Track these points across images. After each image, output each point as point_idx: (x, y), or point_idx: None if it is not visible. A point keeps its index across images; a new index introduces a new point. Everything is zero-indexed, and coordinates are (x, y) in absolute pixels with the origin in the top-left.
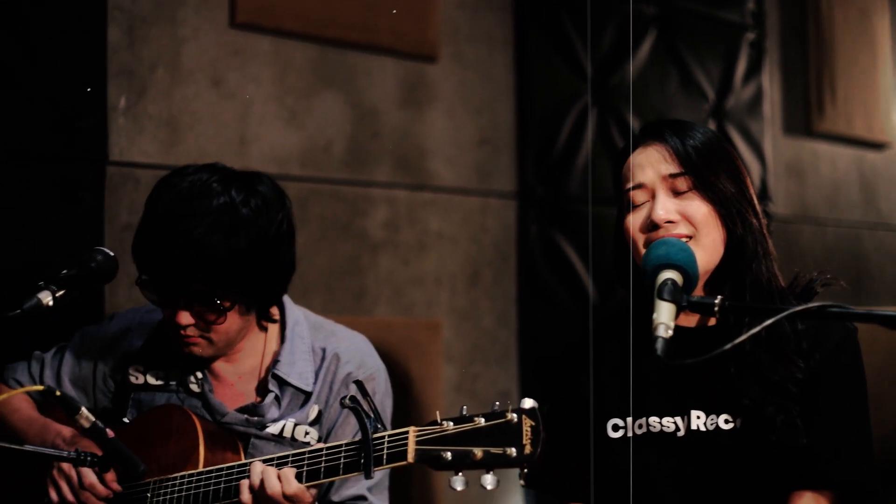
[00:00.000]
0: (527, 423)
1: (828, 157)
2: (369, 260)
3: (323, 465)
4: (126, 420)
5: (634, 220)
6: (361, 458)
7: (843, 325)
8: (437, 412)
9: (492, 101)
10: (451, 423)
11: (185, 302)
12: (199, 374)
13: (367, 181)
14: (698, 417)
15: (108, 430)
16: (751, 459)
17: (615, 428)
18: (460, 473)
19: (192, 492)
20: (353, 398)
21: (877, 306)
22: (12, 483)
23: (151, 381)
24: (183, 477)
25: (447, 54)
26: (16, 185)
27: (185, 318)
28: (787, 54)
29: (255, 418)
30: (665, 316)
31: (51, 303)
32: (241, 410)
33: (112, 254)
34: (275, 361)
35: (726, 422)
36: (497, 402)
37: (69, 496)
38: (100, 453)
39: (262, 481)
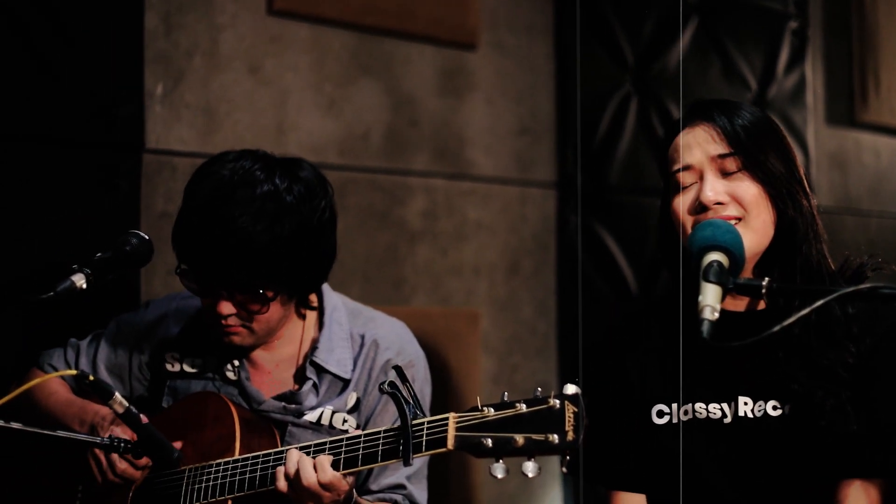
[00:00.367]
0: (569, 410)
1: (871, 147)
2: (407, 249)
3: (361, 452)
4: (163, 407)
5: (682, 203)
6: (400, 444)
7: (894, 309)
8: (478, 398)
9: (532, 89)
10: (492, 410)
11: (227, 292)
12: (236, 362)
13: (405, 170)
14: (746, 403)
15: (142, 415)
16: (799, 447)
17: (660, 414)
18: (501, 461)
19: (229, 479)
20: (391, 384)
21: None
22: (46, 467)
23: (188, 368)
24: (219, 464)
25: (487, 42)
26: (52, 172)
27: (227, 308)
28: (830, 43)
29: (293, 406)
30: (711, 298)
31: (84, 285)
32: (279, 398)
33: (147, 237)
34: (313, 348)
35: (774, 408)
36: (539, 388)
37: (108, 470)
38: (134, 439)
39: (297, 470)
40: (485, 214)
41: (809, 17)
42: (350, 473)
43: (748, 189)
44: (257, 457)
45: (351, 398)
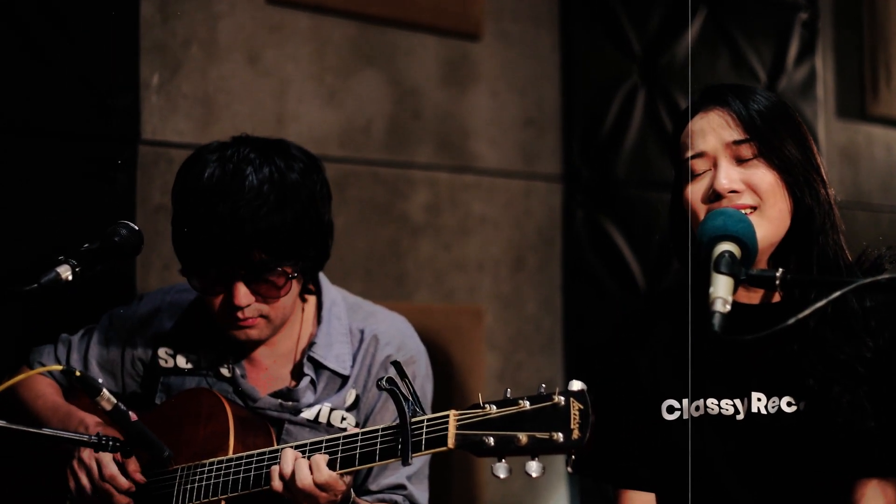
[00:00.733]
0: (575, 407)
1: (882, 141)
2: (409, 244)
3: (358, 451)
4: (156, 404)
5: (695, 191)
6: (399, 443)
7: None
8: (480, 395)
9: (537, 80)
10: (494, 407)
11: (245, 280)
12: (232, 358)
13: (407, 163)
14: (759, 399)
15: (131, 413)
16: (815, 444)
17: (670, 410)
18: (503, 460)
19: (222, 479)
20: (390, 380)
21: None
22: (34, 475)
23: (182, 364)
24: (212, 464)
25: (491, 32)
26: (46, 164)
27: (246, 296)
28: (840, 35)
29: (290, 403)
30: (722, 290)
31: (70, 277)
32: (275, 395)
33: (137, 228)
34: (310, 344)
35: (789, 404)
36: (543, 385)
37: (88, 488)
38: (122, 439)
39: (292, 470)
40: (489, 208)
41: (820, 9)
42: (347, 473)
43: (764, 177)
44: (251, 456)
45: (350, 395)
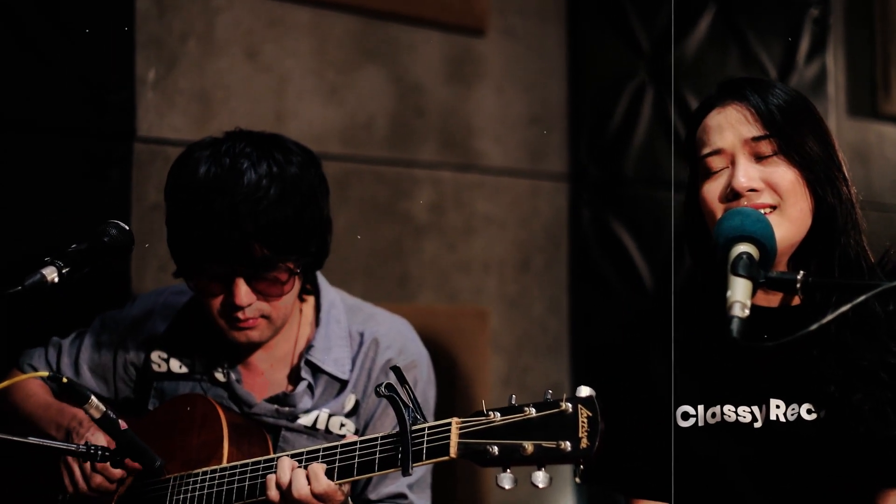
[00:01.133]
0: (583, 414)
1: (894, 139)
2: (413, 244)
3: (356, 460)
4: (149, 410)
5: (711, 190)
6: (399, 452)
7: None
8: (483, 402)
9: (543, 77)
10: (499, 414)
11: (245, 278)
12: (227, 362)
13: (410, 161)
14: (778, 407)
15: (120, 421)
16: (835, 453)
17: (685, 416)
18: (508, 470)
19: (216, 489)
20: (389, 386)
21: None
22: (28, 472)
23: (175, 368)
24: (205, 473)
25: (496, 27)
26: (39, 161)
27: (247, 295)
28: (852, 32)
29: (286, 409)
30: (740, 293)
31: (56, 279)
32: (271, 400)
33: (127, 227)
34: (308, 347)
35: (809, 412)
36: (550, 391)
37: (81, 483)
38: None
39: (289, 480)
40: (494, 208)
41: (831, 5)
42: (345, 483)
43: (784, 175)
44: (246, 464)
45: (349, 401)
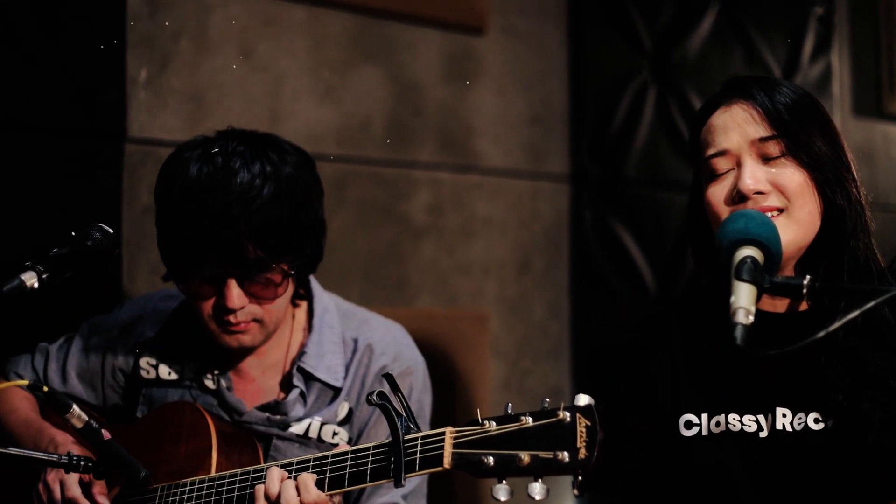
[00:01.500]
0: (581, 423)
1: None
2: (411, 247)
3: (348, 470)
4: (137, 418)
5: (717, 192)
6: (391, 463)
7: None
8: (478, 411)
9: (544, 76)
10: (494, 424)
11: (237, 280)
12: (217, 370)
13: (408, 162)
14: (784, 416)
15: (103, 431)
16: (844, 464)
17: (688, 425)
18: (504, 481)
19: (203, 500)
20: (381, 394)
21: None
22: (13, 492)
23: (164, 375)
24: (193, 483)
25: (496, 26)
26: (27, 162)
27: (239, 298)
28: (857, 31)
29: (278, 417)
30: (744, 299)
31: (36, 285)
32: (262, 408)
33: (111, 230)
34: (301, 353)
35: (816, 421)
36: (547, 399)
37: (57, 497)
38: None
39: (278, 490)
40: (494, 209)
41: (836, 4)
42: (336, 494)
43: (792, 176)
44: (235, 474)
45: (342, 408)
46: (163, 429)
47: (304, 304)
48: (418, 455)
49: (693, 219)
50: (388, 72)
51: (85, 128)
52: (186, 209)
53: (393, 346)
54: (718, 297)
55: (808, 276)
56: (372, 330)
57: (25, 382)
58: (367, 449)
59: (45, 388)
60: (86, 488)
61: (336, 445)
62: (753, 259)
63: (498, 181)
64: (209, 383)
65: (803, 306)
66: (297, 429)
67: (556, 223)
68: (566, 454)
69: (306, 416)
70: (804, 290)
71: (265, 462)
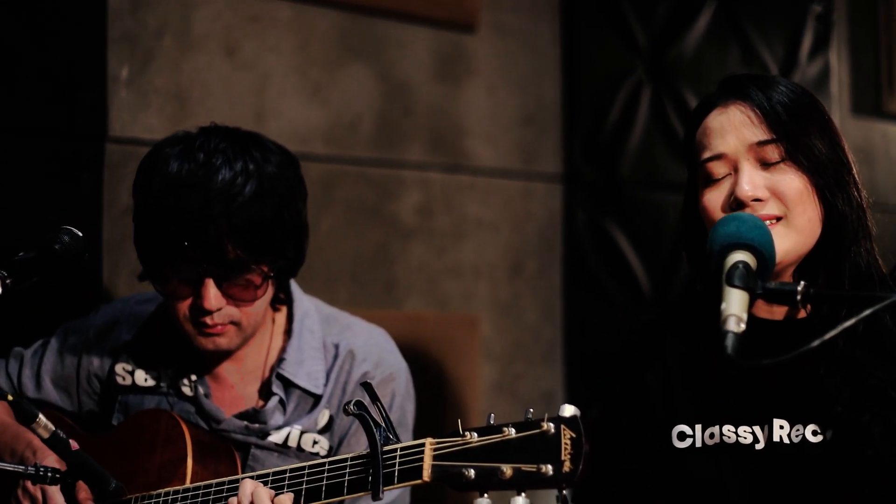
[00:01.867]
0: (566, 435)
1: None
2: (400, 248)
3: (325, 482)
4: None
5: (713, 198)
6: (369, 475)
7: None
8: (459, 421)
9: (536, 75)
10: (476, 435)
11: (215, 280)
12: (194, 376)
13: (398, 161)
14: (781, 427)
15: (72, 441)
16: (843, 478)
17: (681, 436)
18: (486, 495)
19: None
20: (358, 403)
21: None
22: None
23: (140, 381)
24: (167, 494)
25: (487, 23)
26: (6, 163)
27: (216, 298)
28: (855, 29)
29: (256, 425)
30: (736, 306)
31: None
32: (240, 416)
33: (80, 234)
34: (280, 360)
35: (814, 433)
36: (531, 409)
37: None
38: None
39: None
40: (485, 210)
41: (834, 2)
42: None
43: (791, 182)
44: (209, 485)
45: (322, 416)
46: (137, 437)
47: (284, 309)
48: (397, 467)
49: (687, 222)
50: (377, 70)
51: (64, 128)
52: (165, 206)
53: (375, 351)
54: (712, 304)
55: (802, 283)
56: (354, 335)
57: None
58: (345, 460)
59: (10, 397)
60: (70, 495)
61: (316, 454)
62: (746, 264)
63: (489, 181)
64: (186, 390)
65: (802, 314)
66: (276, 438)
67: (549, 224)
68: (550, 467)
69: (286, 424)
70: (798, 297)
71: (243, 471)
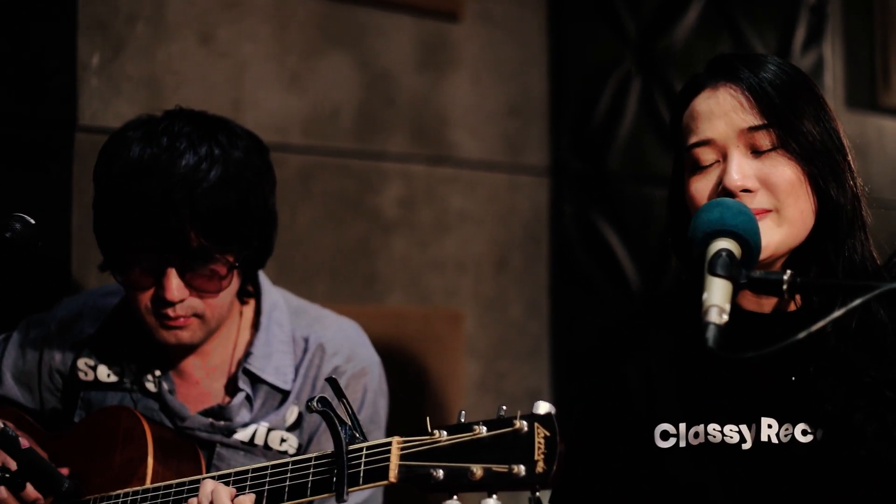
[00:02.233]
0: (540, 434)
1: (894, 133)
2: (381, 242)
3: (288, 483)
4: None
5: (700, 187)
6: (334, 475)
7: None
8: (428, 419)
9: (522, 65)
10: (445, 433)
11: (178, 270)
12: (158, 371)
13: (379, 153)
14: (770, 426)
15: (22, 439)
16: (834, 479)
17: (664, 436)
18: (455, 497)
19: None
20: (322, 400)
21: None
22: None
23: (103, 377)
24: (127, 494)
25: (472, 12)
26: None
27: (179, 289)
28: (850, 21)
29: (222, 423)
30: (718, 296)
31: None
32: (205, 413)
33: (33, 221)
34: (247, 354)
35: (804, 432)
36: (504, 407)
37: None
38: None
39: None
40: (469, 203)
41: None
42: None
43: (783, 173)
44: (170, 486)
45: (291, 413)
46: (96, 435)
47: (252, 302)
48: (363, 467)
49: (673, 209)
50: (358, 59)
51: (32, 116)
52: (126, 191)
53: (346, 345)
54: (696, 295)
55: (788, 272)
56: (324, 328)
57: None
58: (309, 460)
59: None
60: (20, 495)
61: (284, 453)
62: (729, 252)
63: (474, 174)
64: (150, 386)
65: (792, 306)
66: (242, 435)
67: (535, 218)
68: (522, 467)
69: (252, 421)
70: (785, 287)
71: (208, 471)
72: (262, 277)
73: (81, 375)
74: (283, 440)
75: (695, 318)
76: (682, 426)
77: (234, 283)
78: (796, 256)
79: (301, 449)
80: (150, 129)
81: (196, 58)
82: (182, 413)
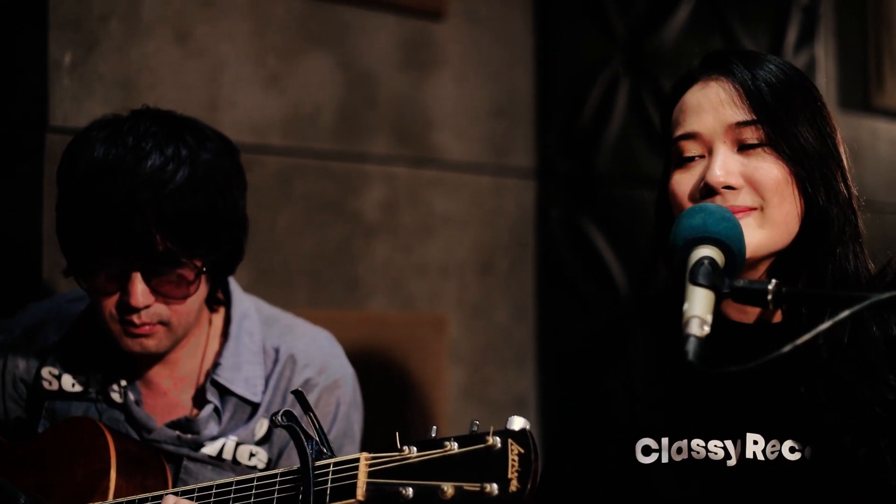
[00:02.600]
0: (514, 451)
1: (887, 135)
2: (363, 246)
3: (252, 500)
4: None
5: (683, 181)
6: (300, 493)
7: None
8: (397, 434)
9: (508, 65)
10: (415, 449)
11: (143, 275)
12: (124, 381)
13: (360, 155)
14: (756, 443)
15: None
16: (822, 499)
17: (646, 451)
18: None
19: None
20: (287, 414)
21: None
22: None
23: (68, 387)
24: None
25: (457, 10)
26: None
27: (144, 295)
28: (843, 21)
29: (189, 436)
30: (699, 307)
31: None
32: (173, 426)
33: None
34: (215, 364)
35: (792, 450)
36: (477, 422)
37: None
38: None
39: None
40: (453, 206)
41: None
42: None
43: (769, 171)
44: (132, 501)
45: (261, 427)
46: (59, 447)
47: (222, 310)
48: (329, 485)
49: (660, 211)
50: (339, 58)
51: (2, 116)
52: (89, 193)
53: (319, 356)
54: (678, 304)
55: (773, 281)
56: (295, 338)
57: None
58: (275, 476)
59: None
60: None
61: (254, 468)
62: (711, 260)
63: (458, 176)
64: (116, 396)
65: (777, 317)
66: (209, 449)
67: (521, 221)
68: (495, 486)
69: (221, 435)
70: (769, 297)
71: (174, 486)
72: (234, 284)
73: (46, 385)
74: (252, 454)
75: (678, 326)
76: (665, 441)
77: (202, 290)
78: (785, 265)
79: (271, 463)
80: (116, 129)
81: (172, 57)
82: (148, 425)
